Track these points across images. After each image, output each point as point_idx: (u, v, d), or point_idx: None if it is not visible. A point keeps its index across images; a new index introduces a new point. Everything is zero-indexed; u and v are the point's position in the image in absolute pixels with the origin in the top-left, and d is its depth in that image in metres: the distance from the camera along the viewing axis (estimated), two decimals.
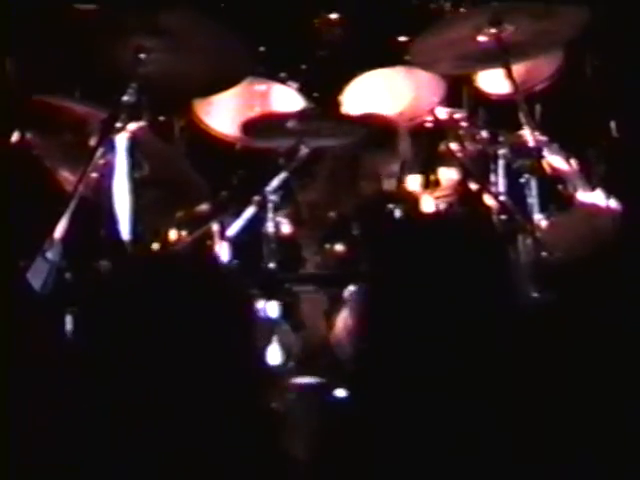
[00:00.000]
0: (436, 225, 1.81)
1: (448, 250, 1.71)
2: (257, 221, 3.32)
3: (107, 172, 3.08)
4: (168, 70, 3.13)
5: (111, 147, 3.07)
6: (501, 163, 3.42)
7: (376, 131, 3.44)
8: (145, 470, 1.49)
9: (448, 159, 3.55)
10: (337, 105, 3.61)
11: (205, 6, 3.71)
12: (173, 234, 3.40)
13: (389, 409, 1.65)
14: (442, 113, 3.62)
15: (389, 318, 1.69)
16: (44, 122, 3.32)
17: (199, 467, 1.51)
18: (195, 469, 1.51)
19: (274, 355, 3.11)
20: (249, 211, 3.32)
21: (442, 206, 3.51)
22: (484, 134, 3.58)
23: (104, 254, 3.07)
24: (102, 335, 1.58)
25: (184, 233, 3.39)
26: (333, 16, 3.75)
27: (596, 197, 3.30)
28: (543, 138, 3.37)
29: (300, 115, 3.45)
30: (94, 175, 3.02)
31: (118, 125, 3.07)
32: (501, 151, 3.44)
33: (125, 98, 3.05)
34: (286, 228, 3.39)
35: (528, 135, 3.29)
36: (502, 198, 3.34)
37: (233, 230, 3.31)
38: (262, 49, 3.62)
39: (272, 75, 3.65)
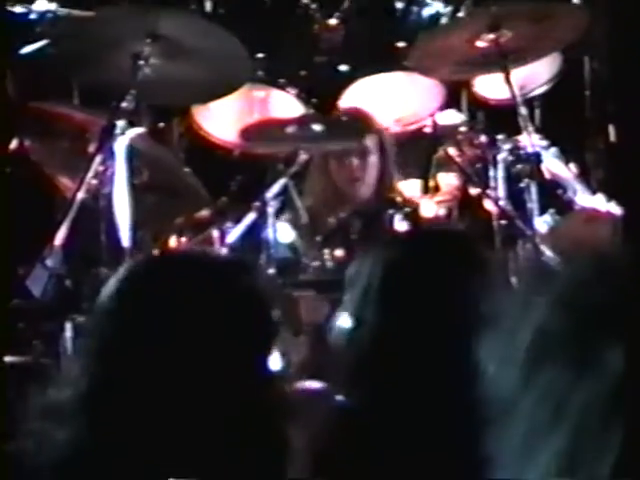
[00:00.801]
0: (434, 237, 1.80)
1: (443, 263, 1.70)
2: (257, 227, 3.31)
3: (106, 179, 3.08)
4: (167, 76, 3.13)
5: (110, 153, 3.07)
6: (500, 168, 3.42)
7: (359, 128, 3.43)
8: (147, 476, 1.49)
9: (447, 164, 3.55)
10: (336, 111, 3.61)
11: (204, 12, 3.72)
12: (173, 240, 3.39)
13: (388, 416, 1.65)
14: (441, 118, 3.62)
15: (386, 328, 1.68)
16: (43, 129, 3.32)
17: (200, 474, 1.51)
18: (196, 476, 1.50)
19: (274, 361, 3.10)
20: (249, 217, 3.32)
21: (442, 211, 3.51)
22: (483, 139, 3.58)
23: (104, 261, 3.07)
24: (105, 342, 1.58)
25: (184, 239, 3.38)
26: (332, 22, 3.75)
27: (596, 202, 3.30)
28: (542, 143, 3.37)
29: (299, 121, 3.45)
30: (93, 182, 3.02)
31: (117, 131, 3.06)
32: (500, 156, 3.44)
33: (124, 104, 3.05)
34: (286, 234, 3.39)
35: (527, 140, 3.29)
36: (502, 203, 3.34)
37: (233, 236, 3.30)
38: (261, 55, 3.62)
39: (271, 81, 3.65)
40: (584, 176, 3.44)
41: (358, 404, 1.71)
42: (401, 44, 3.63)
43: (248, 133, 3.48)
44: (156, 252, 3.30)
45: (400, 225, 3.41)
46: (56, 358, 2.92)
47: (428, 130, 3.62)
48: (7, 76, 3.46)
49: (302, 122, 3.44)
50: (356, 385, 1.73)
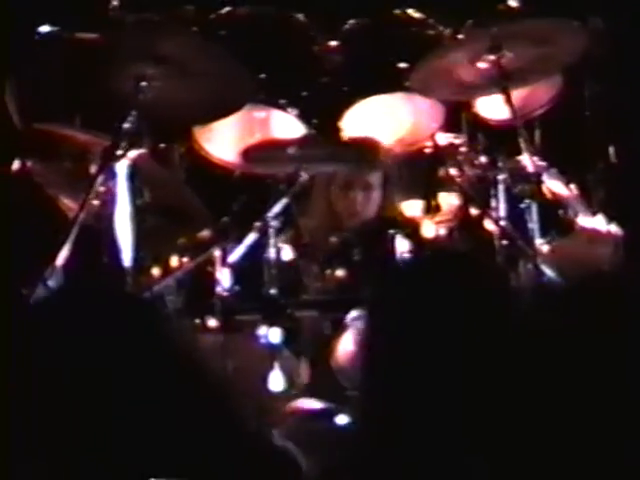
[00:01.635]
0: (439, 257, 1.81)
1: (452, 282, 1.71)
2: (258, 247, 3.32)
3: (108, 199, 3.09)
4: (168, 97, 3.15)
5: (112, 174, 3.08)
6: (501, 188, 3.43)
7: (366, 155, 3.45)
8: None
9: (448, 184, 3.56)
10: (337, 131, 3.63)
11: (205, 34, 3.74)
12: (174, 260, 3.40)
13: (392, 435, 1.65)
14: (442, 139, 3.63)
15: (390, 345, 1.68)
16: (45, 150, 3.33)
17: None
18: None
19: (276, 381, 3.10)
20: (250, 237, 3.32)
21: (443, 231, 3.51)
22: (483, 159, 3.59)
23: (106, 281, 3.07)
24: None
25: (185, 259, 3.39)
26: (333, 43, 3.77)
27: (597, 222, 3.30)
28: (542, 163, 3.38)
29: (300, 141, 3.47)
30: (95, 202, 3.03)
31: (119, 152, 3.07)
32: (501, 176, 3.45)
33: (126, 125, 3.06)
34: (287, 254, 3.39)
35: (527, 160, 3.30)
36: (503, 223, 3.34)
37: (234, 256, 3.31)
38: (262, 76, 3.64)
39: (272, 102, 3.67)
40: (585, 197, 3.44)
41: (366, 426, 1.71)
42: (402, 65, 3.65)
43: (249, 153, 3.49)
44: (157, 272, 3.30)
45: (401, 245, 3.42)
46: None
47: (429, 150, 3.63)
48: (9, 97, 3.48)
49: (303, 142, 3.45)
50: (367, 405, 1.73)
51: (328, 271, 3.40)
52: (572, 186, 3.43)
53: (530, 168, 3.30)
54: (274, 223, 3.34)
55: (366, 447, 1.67)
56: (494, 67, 3.26)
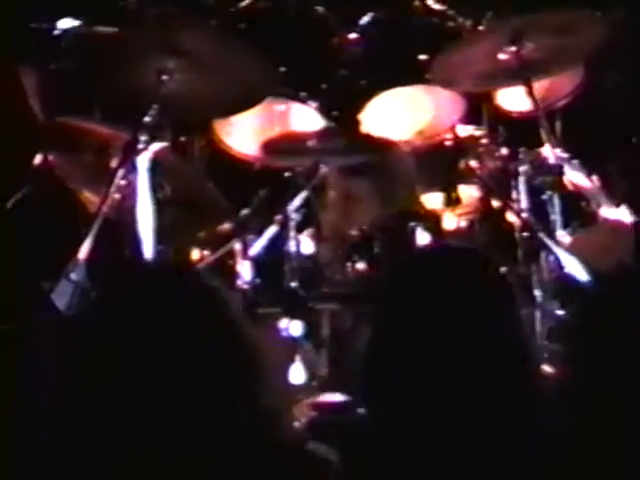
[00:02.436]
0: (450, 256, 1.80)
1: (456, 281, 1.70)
2: (279, 240, 3.32)
3: (129, 193, 3.10)
4: (189, 91, 3.15)
5: (133, 168, 3.09)
6: (522, 180, 3.41)
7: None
8: None
9: (469, 176, 3.54)
10: (357, 124, 3.62)
11: (225, 27, 3.74)
12: (196, 253, 3.40)
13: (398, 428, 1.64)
14: (462, 131, 3.62)
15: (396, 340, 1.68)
16: (67, 144, 3.34)
17: None
18: None
19: (297, 374, 3.10)
20: (271, 230, 3.33)
21: (464, 224, 3.50)
22: (504, 151, 3.58)
23: (128, 274, 3.07)
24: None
25: (206, 252, 3.40)
26: (352, 35, 3.76)
27: (620, 213, 3.28)
28: (564, 155, 3.36)
29: (320, 134, 3.46)
30: (117, 196, 3.04)
31: (140, 146, 3.08)
32: (522, 168, 3.43)
33: (146, 119, 3.07)
34: (308, 247, 3.39)
35: (549, 152, 3.28)
36: (524, 215, 3.33)
37: (255, 249, 3.31)
38: (282, 69, 3.64)
39: (292, 95, 3.66)
40: (607, 188, 3.42)
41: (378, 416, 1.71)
42: (422, 57, 3.64)
43: (269, 146, 3.49)
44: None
45: (422, 238, 3.41)
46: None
47: (449, 143, 3.62)
48: (31, 92, 3.49)
49: (323, 135, 3.45)
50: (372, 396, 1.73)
51: (349, 264, 3.39)
52: (594, 177, 3.41)
53: (552, 159, 3.29)
54: (294, 216, 3.34)
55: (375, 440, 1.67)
56: (515, 58, 3.25)
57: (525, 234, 3.30)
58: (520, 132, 3.59)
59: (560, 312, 3.16)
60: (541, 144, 3.31)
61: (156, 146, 3.19)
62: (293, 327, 3.16)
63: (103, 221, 2.95)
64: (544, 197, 3.33)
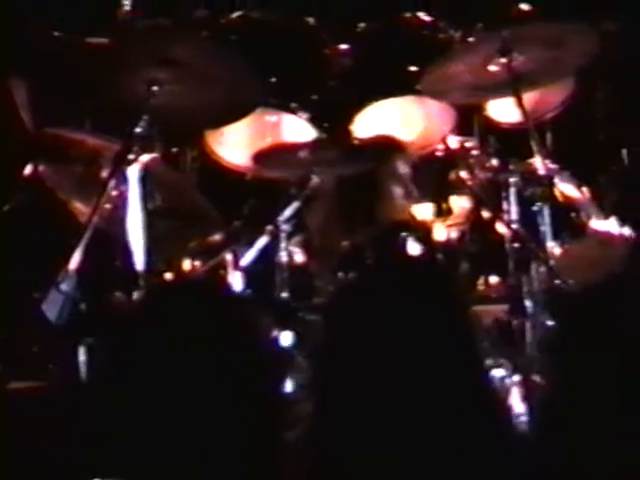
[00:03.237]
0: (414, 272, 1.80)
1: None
2: (270, 250, 3.32)
3: (120, 203, 3.09)
4: (180, 101, 3.15)
5: (123, 178, 3.09)
6: (512, 191, 3.42)
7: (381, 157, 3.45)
8: None
9: (460, 187, 3.55)
10: (348, 135, 3.63)
11: (217, 38, 3.75)
12: (187, 264, 3.40)
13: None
14: (453, 142, 3.63)
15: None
16: (57, 154, 3.34)
17: None
18: None
19: (288, 385, 3.10)
20: (262, 241, 3.33)
21: (454, 234, 3.51)
22: (495, 162, 3.59)
23: (118, 285, 3.07)
24: (119, 365, 1.59)
25: (197, 263, 3.39)
26: (343, 46, 3.78)
27: (609, 225, 3.29)
28: (554, 166, 3.37)
29: (311, 145, 3.47)
30: (107, 206, 3.03)
31: (130, 157, 3.08)
32: (512, 179, 3.44)
33: (137, 130, 3.07)
34: (299, 257, 3.39)
35: (539, 163, 3.29)
36: (515, 226, 3.34)
37: (246, 260, 3.31)
38: (273, 80, 3.64)
39: (283, 105, 3.67)
40: (597, 199, 3.44)
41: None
42: (413, 68, 3.65)
43: (260, 157, 3.49)
44: (169, 276, 3.31)
45: (413, 248, 3.42)
46: (70, 382, 2.92)
47: (440, 154, 3.63)
48: (21, 102, 3.49)
49: (314, 146, 3.46)
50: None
51: (340, 274, 3.39)
52: (584, 189, 3.42)
53: (542, 171, 3.30)
54: (285, 227, 3.34)
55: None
56: (505, 70, 3.26)
57: (515, 245, 3.31)
58: (510, 143, 3.60)
59: (550, 323, 3.17)
60: (531, 155, 3.33)
61: (147, 157, 3.19)
62: (284, 338, 3.16)
63: (93, 232, 2.94)
64: (534, 208, 3.34)
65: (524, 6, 3.67)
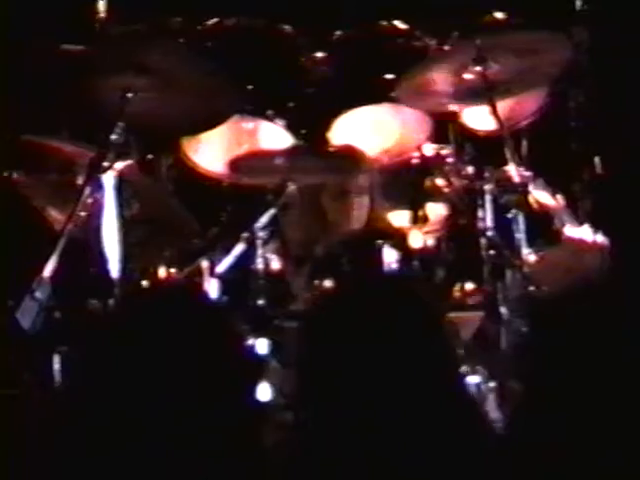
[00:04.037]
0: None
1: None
2: (246, 258, 3.32)
3: (95, 211, 3.08)
4: (155, 109, 3.15)
5: (99, 186, 3.08)
6: (488, 198, 3.45)
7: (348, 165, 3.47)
8: None
9: (435, 195, 3.57)
10: (325, 142, 3.64)
11: (192, 45, 3.75)
12: (162, 271, 3.39)
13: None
14: (429, 149, 3.64)
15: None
16: (31, 162, 3.33)
17: None
18: None
19: (264, 392, 3.09)
20: (238, 248, 3.32)
21: (430, 241, 3.52)
22: (470, 170, 3.61)
23: (93, 293, 3.06)
24: (94, 373, 1.58)
25: (173, 270, 3.39)
26: (319, 54, 3.79)
27: (583, 232, 3.32)
28: (529, 174, 3.40)
29: (288, 152, 3.47)
30: (82, 214, 3.02)
31: (106, 164, 3.07)
32: (487, 187, 3.47)
33: (113, 137, 3.06)
34: (275, 264, 3.39)
35: (514, 171, 3.32)
36: (490, 233, 3.36)
37: (222, 267, 3.31)
38: (249, 87, 3.65)
39: (259, 113, 3.68)
40: (571, 207, 3.46)
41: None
42: (389, 76, 3.66)
43: (237, 164, 3.49)
44: (145, 283, 3.30)
45: (389, 255, 3.43)
46: (45, 390, 2.91)
47: (416, 161, 3.64)
48: None
49: (291, 153, 3.46)
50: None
51: (316, 281, 3.40)
52: (558, 196, 3.45)
53: (517, 178, 3.32)
54: (262, 234, 3.34)
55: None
56: (480, 78, 3.28)
57: (491, 252, 3.33)
58: (486, 151, 3.62)
59: (525, 329, 3.18)
60: (506, 163, 3.35)
61: (122, 164, 3.18)
62: (260, 345, 3.16)
63: (68, 239, 2.93)
64: (509, 215, 3.36)
65: (499, 15, 3.69)
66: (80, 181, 3.12)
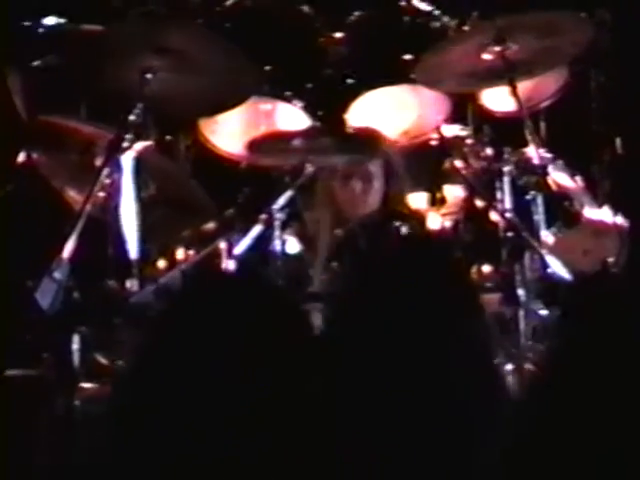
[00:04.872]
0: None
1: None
2: (264, 239, 3.32)
3: (114, 192, 3.09)
4: (174, 89, 3.15)
5: (117, 167, 3.09)
6: (506, 180, 3.43)
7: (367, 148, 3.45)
8: None
9: (453, 176, 3.55)
10: (342, 123, 3.62)
11: (211, 26, 3.74)
12: (180, 253, 3.40)
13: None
14: (447, 131, 3.63)
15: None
16: (51, 142, 3.33)
17: None
18: None
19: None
20: (256, 229, 3.33)
21: (448, 223, 3.51)
22: (489, 151, 3.59)
23: (111, 273, 3.07)
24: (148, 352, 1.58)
25: (191, 252, 3.39)
26: (338, 34, 3.77)
27: (603, 214, 3.30)
28: (548, 155, 3.38)
29: (305, 133, 3.46)
30: (101, 195, 3.03)
31: (124, 145, 3.08)
32: (506, 168, 3.45)
33: (131, 118, 3.06)
34: (293, 246, 3.39)
35: (533, 152, 3.30)
36: (508, 215, 3.34)
37: (240, 248, 3.31)
38: (267, 68, 3.64)
39: (277, 94, 3.66)
40: (590, 188, 3.44)
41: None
42: (407, 57, 3.64)
43: (254, 146, 3.49)
44: (163, 264, 3.31)
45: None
46: (64, 370, 2.93)
47: (434, 143, 3.63)
48: (15, 90, 3.48)
49: (308, 135, 3.45)
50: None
51: (334, 263, 3.40)
52: (578, 178, 3.43)
53: (536, 160, 3.30)
54: (279, 215, 3.34)
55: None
56: (499, 59, 3.26)
57: (509, 234, 3.31)
58: (505, 132, 3.60)
59: (544, 312, 3.17)
60: (525, 144, 3.33)
61: (141, 145, 3.18)
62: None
63: (87, 220, 2.94)
64: (528, 197, 3.34)
65: None
66: (99, 162, 3.12)
